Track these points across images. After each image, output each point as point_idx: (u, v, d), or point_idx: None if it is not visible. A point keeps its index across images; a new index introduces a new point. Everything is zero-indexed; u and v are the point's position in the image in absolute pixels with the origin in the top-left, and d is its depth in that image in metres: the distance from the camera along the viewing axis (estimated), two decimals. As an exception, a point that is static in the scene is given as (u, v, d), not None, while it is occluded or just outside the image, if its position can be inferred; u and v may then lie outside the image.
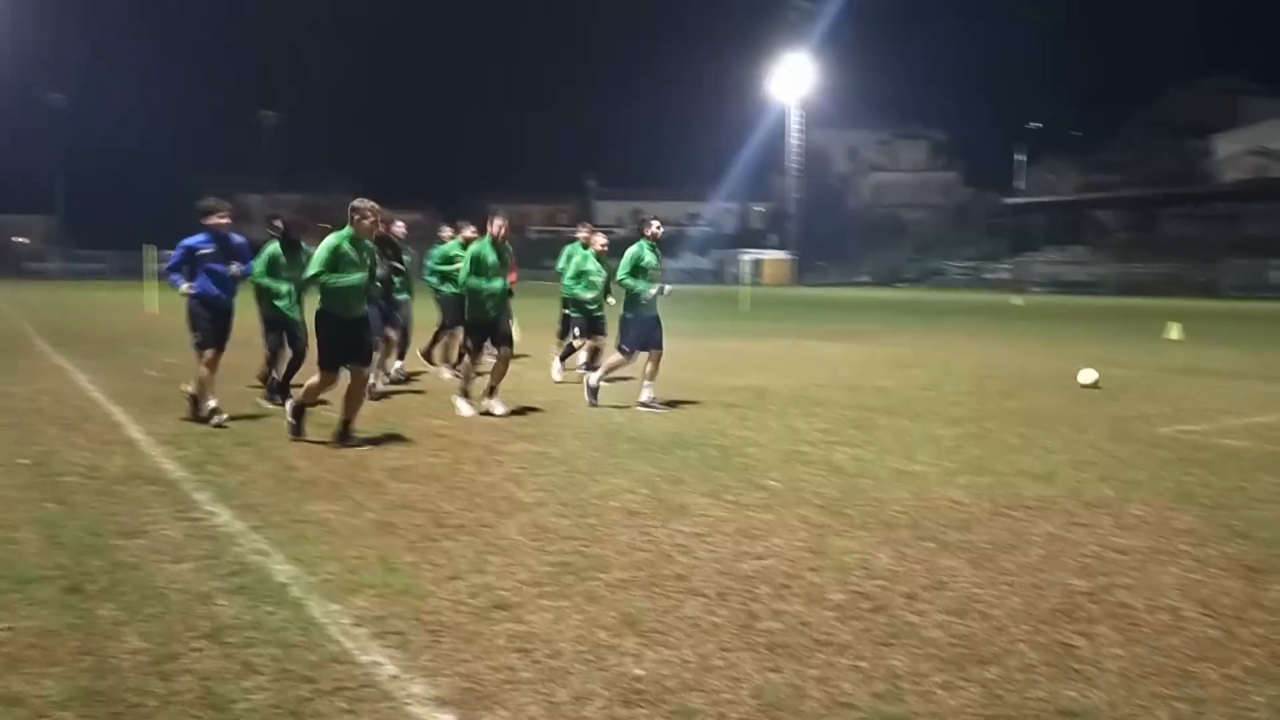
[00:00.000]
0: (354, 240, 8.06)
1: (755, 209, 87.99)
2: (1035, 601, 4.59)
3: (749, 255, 63.27)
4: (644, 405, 10.07)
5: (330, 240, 8.00)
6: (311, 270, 8.00)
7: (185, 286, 8.78)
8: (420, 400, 10.81)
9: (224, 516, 5.89)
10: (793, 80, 61.71)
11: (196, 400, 8.94)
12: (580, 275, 11.89)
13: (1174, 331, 21.79)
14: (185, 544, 5.32)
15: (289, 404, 8.47)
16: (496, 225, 9.69)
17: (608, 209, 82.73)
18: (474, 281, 9.44)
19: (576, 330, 12.28)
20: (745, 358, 14.65)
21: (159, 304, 26.70)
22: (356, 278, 8.00)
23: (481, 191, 66.04)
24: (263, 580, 4.76)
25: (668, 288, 11.47)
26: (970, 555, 5.29)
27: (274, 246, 10.02)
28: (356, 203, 8.19)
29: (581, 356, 12.30)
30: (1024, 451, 8.16)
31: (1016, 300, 41.63)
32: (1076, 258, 64.86)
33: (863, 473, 7.28)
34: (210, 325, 8.86)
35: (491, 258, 9.50)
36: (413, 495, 6.47)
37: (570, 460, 7.61)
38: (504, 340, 9.69)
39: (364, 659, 3.87)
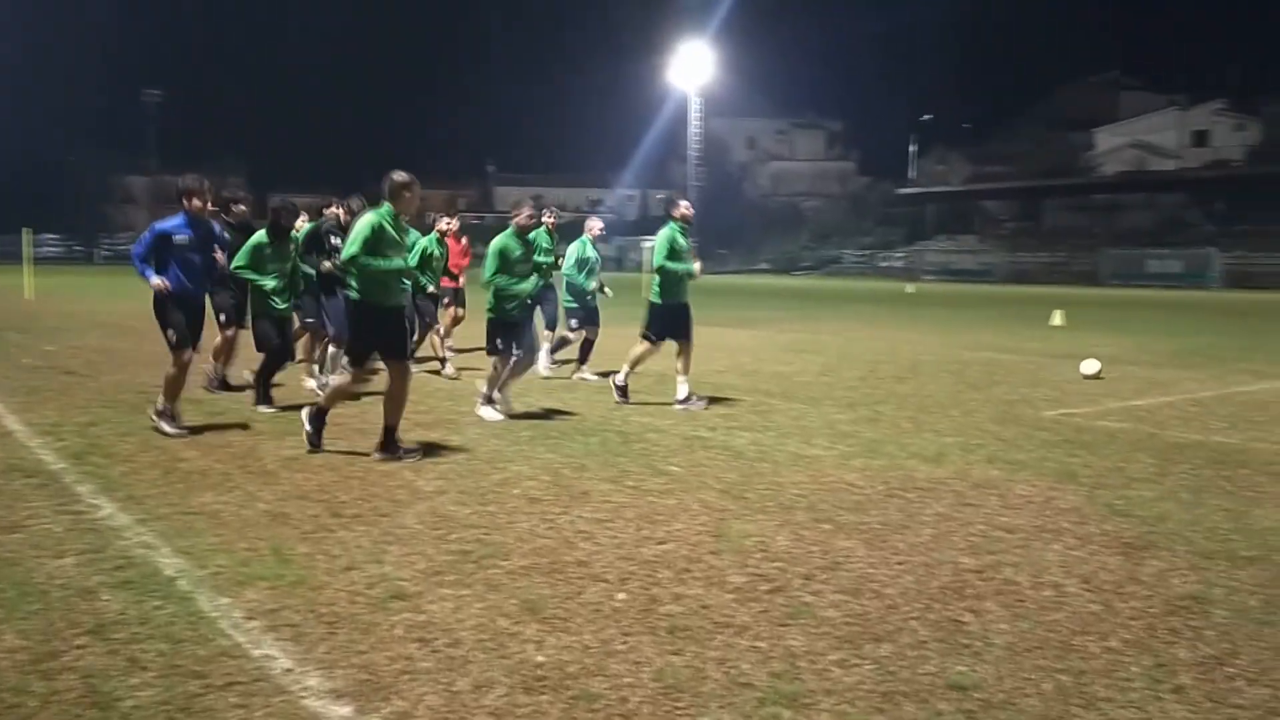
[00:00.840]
0: (395, 219, 7.18)
1: (656, 196, 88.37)
2: (926, 580, 4.72)
3: (650, 242, 63.49)
4: (681, 404, 9.44)
5: (370, 218, 7.11)
6: (351, 250, 6.96)
7: (157, 280, 7.77)
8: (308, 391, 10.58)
9: (108, 509, 5.68)
10: (692, 68, 62.00)
11: (168, 413, 7.91)
12: (581, 264, 11.59)
13: (1058, 318, 22.60)
14: (66, 538, 5.12)
15: (307, 411, 7.42)
16: (526, 215, 8.84)
17: (508, 194, 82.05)
18: (501, 280, 8.54)
19: (574, 322, 11.79)
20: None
21: (36, 290, 25.56)
22: (399, 261, 7.20)
23: (379, 175, 64.64)
24: (149, 574, 4.60)
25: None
26: (865, 536, 5.41)
27: (260, 235, 9.20)
28: (399, 175, 7.16)
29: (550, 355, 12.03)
30: (916, 435, 8.37)
31: (908, 288, 42.65)
32: (967, 246, 66.73)
33: (762, 457, 7.38)
34: (186, 323, 7.94)
35: (518, 251, 8.69)
36: (307, 485, 6.33)
37: (471, 448, 7.54)
38: (529, 346, 8.92)
39: (256, 653, 3.77)
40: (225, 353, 10.19)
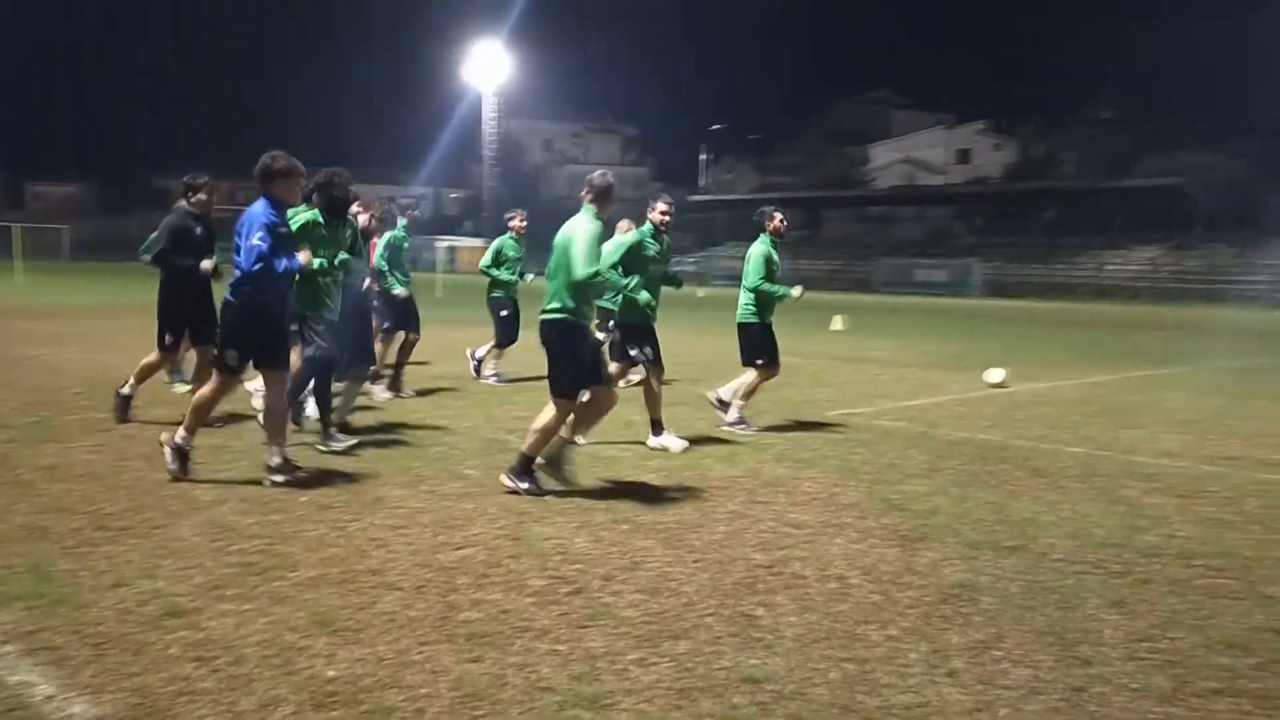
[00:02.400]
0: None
1: (451, 195, 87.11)
2: (721, 576, 4.83)
3: (444, 242, 62.46)
4: (735, 425, 8.74)
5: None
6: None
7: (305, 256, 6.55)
8: (77, 395, 9.81)
9: None
10: (488, 68, 61.47)
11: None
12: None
13: (838, 323, 23.71)
14: None
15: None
16: (660, 210, 8.25)
17: (294, 189, 78.99)
18: (630, 280, 7.71)
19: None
20: (443, 345, 14.42)
21: None
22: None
23: (158, 167, 60.92)
24: (-119, 599, 4.13)
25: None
26: (662, 535, 5.49)
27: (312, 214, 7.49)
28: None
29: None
30: (709, 434, 8.57)
31: (700, 293, 43.74)
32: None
33: (559, 459, 7.37)
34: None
35: (653, 249, 8.10)
36: (69, 496, 5.86)
37: (254, 454, 7.17)
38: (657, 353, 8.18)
39: (13, 679, 3.45)
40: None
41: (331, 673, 3.62)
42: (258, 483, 6.31)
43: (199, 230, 8.36)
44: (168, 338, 8.44)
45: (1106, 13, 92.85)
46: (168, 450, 6.31)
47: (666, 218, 8.29)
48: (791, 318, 29.17)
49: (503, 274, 11.29)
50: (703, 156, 78.47)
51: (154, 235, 8.47)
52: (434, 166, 72.43)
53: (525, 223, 11.62)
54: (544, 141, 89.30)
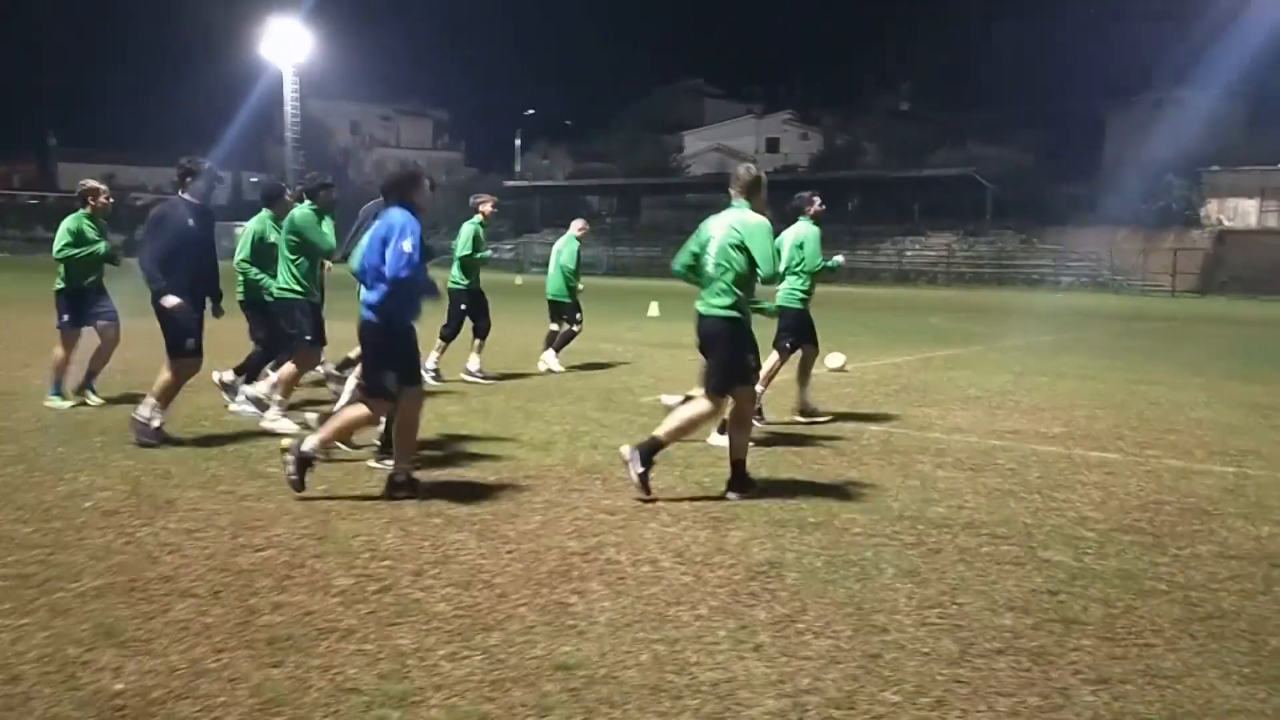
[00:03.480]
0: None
1: (250, 179, 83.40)
2: (535, 566, 4.82)
3: (242, 228, 59.80)
4: (806, 416, 8.62)
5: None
6: None
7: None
8: None
9: None
10: (287, 45, 58.97)
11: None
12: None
13: (654, 309, 24.04)
14: None
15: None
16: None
17: (75, 172, 73.77)
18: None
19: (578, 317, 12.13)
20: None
21: None
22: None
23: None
24: None
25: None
26: (476, 527, 5.43)
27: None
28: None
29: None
30: (525, 424, 8.54)
31: (517, 280, 43.56)
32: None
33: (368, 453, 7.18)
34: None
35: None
36: None
37: (30, 458, 6.69)
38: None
39: None
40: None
41: (119, 686, 3.41)
42: (37, 488, 5.88)
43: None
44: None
45: (905, 9, 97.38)
46: (290, 461, 5.81)
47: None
48: (609, 304, 29.49)
49: (486, 253, 11.21)
50: (518, 142, 77.97)
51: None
52: (230, 148, 69.08)
53: (495, 208, 11.35)
54: (351, 124, 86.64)
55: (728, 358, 6.24)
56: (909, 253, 56.06)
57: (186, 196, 7.52)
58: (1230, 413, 10.11)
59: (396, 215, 6.10)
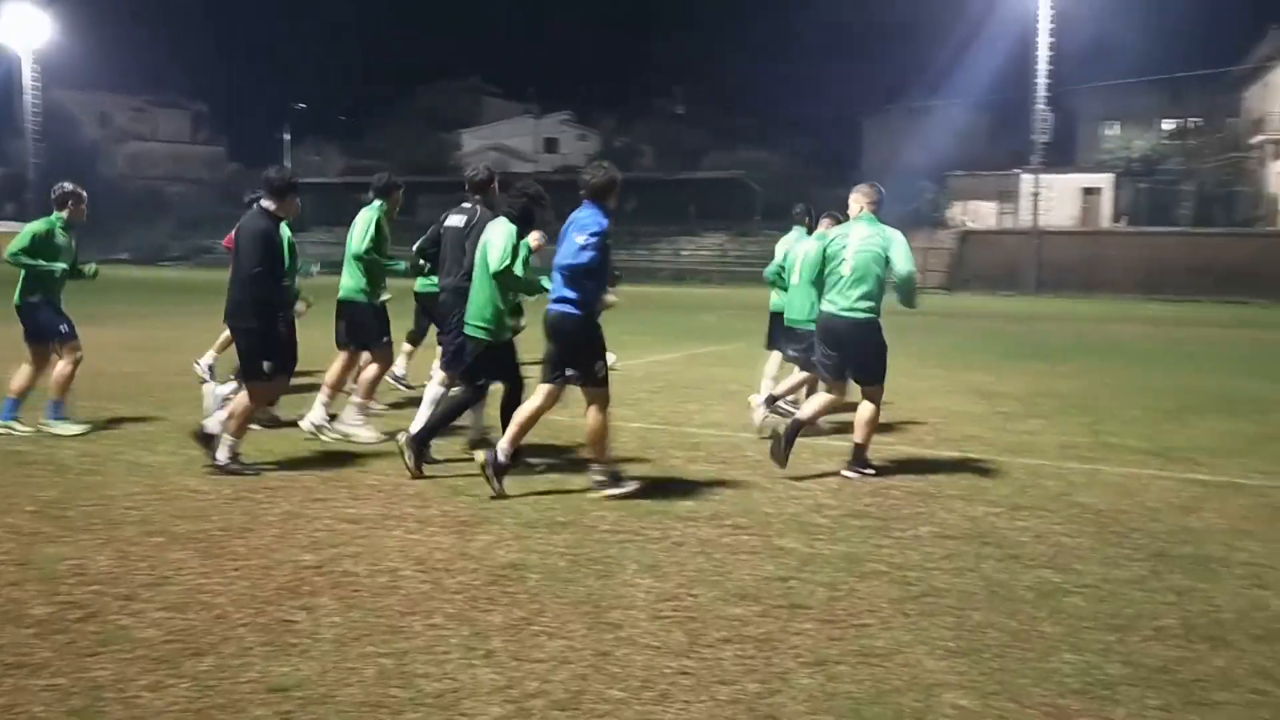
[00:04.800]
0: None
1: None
2: (262, 583, 4.58)
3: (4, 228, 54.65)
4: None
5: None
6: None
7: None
8: None
9: None
10: (24, 30, 54.29)
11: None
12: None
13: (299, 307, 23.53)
14: None
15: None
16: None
17: None
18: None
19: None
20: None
21: None
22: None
23: None
24: None
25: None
26: (201, 545, 5.12)
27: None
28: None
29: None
30: (274, 432, 8.15)
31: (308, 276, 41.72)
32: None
33: (92, 469, 6.67)
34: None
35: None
36: None
37: None
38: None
39: None
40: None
41: None
42: None
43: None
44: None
45: (677, 16, 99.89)
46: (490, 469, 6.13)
47: None
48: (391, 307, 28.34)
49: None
50: (286, 137, 74.80)
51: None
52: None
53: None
54: (100, 115, 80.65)
55: (879, 353, 7.05)
56: (684, 252, 57.52)
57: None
58: (962, 400, 10.87)
59: (586, 214, 6.28)
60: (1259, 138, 46.26)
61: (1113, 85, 48.79)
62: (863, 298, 6.90)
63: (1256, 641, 4.17)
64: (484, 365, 6.82)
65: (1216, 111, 50.24)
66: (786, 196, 55.93)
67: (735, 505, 6.20)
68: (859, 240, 6.97)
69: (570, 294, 6.21)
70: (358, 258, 7.81)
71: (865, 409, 7.07)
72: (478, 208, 7.45)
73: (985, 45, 48.15)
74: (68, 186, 8.09)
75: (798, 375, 8.73)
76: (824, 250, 7.12)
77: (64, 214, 8.00)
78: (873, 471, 7.02)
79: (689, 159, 64.04)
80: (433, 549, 5.18)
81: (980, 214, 52.20)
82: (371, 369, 8.02)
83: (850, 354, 7.02)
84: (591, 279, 6.20)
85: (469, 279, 6.84)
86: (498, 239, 6.42)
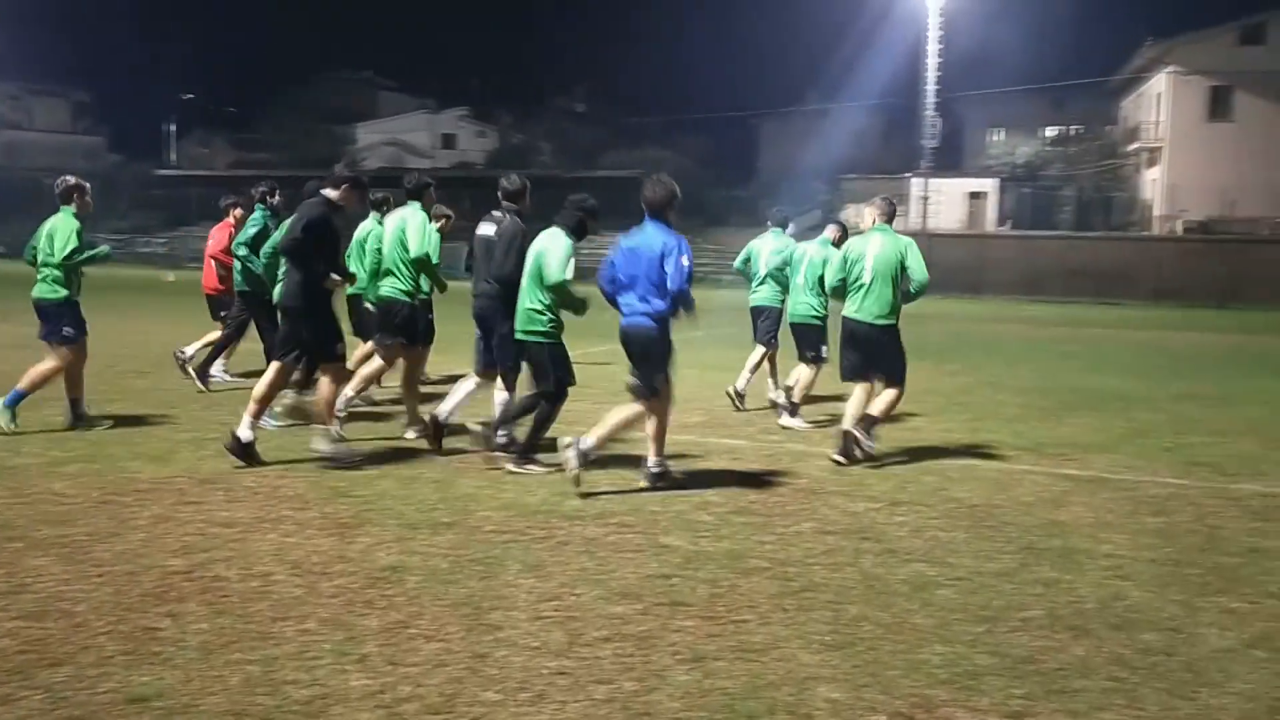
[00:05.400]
0: None
1: None
2: (126, 589, 4.42)
3: None
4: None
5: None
6: None
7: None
8: None
9: None
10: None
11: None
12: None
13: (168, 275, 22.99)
14: None
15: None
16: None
17: None
18: None
19: None
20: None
21: None
22: None
23: None
24: None
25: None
26: (63, 550, 4.91)
27: None
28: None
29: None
30: (147, 433, 7.87)
31: (169, 276, 40.39)
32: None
33: (-52, 472, 6.34)
34: None
35: None
36: None
37: None
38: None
39: None
40: None
41: None
42: None
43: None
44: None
45: (578, 14, 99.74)
46: (572, 456, 6.22)
47: None
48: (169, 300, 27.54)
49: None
50: (172, 128, 72.43)
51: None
52: None
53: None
54: (-30, 102, 76.88)
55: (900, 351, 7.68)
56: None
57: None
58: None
59: (663, 234, 6.51)
60: (1134, 145, 48.26)
61: (998, 93, 50.33)
62: (884, 305, 7.49)
63: (1115, 630, 4.34)
64: (556, 363, 7.03)
65: (1096, 120, 52.25)
66: (685, 196, 56.63)
67: (623, 503, 6.21)
68: (877, 249, 7.50)
69: (654, 307, 6.47)
70: (417, 261, 7.85)
71: (889, 393, 7.66)
72: (507, 216, 7.57)
73: (878, 51, 49.23)
74: (70, 180, 7.95)
75: (806, 372, 9.37)
76: (843, 259, 7.74)
77: (72, 207, 7.88)
78: (873, 445, 7.54)
79: (587, 157, 63.92)
80: (310, 552, 5.06)
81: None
82: (376, 363, 8.25)
83: (875, 357, 7.61)
84: (684, 296, 6.48)
85: (499, 284, 7.24)
86: (556, 252, 6.74)
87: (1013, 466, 7.62)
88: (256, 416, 6.99)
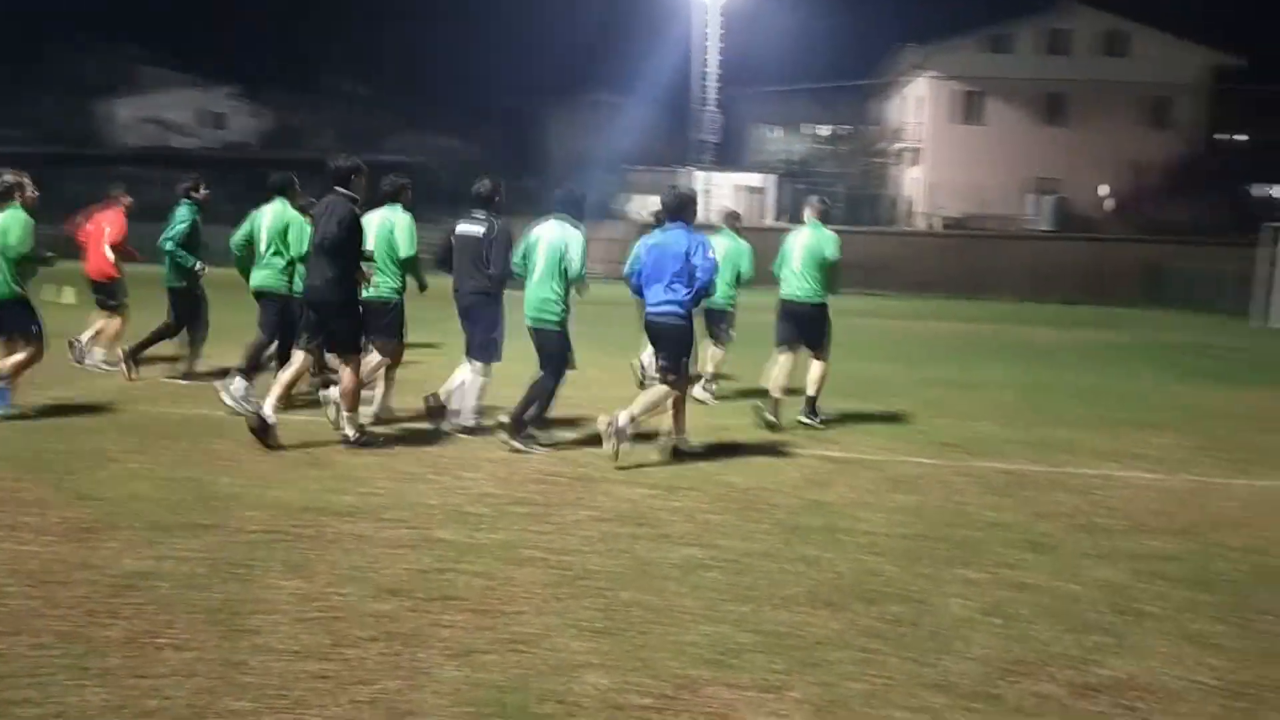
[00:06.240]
0: None
1: None
2: None
3: None
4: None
5: None
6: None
7: None
8: None
9: None
10: None
11: None
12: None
13: (69, 295, 21.39)
14: None
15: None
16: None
17: None
18: None
19: None
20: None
21: None
22: None
23: None
24: None
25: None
26: None
27: None
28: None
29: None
30: None
31: (67, 298, 36.35)
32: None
33: None
34: None
35: None
36: None
37: None
38: None
39: None
40: None
41: None
42: None
43: None
44: None
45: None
46: (612, 435, 7.01)
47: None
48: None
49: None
50: (-103, 98, 65.36)
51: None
52: None
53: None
54: None
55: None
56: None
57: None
58: (629, 386, 11.22)
59: (685, 235, 7.28)
60: (898, 145, 51.26)
61: (774, 92, 52.33)
62: (812, 286, 8.79)
63: (868, 604, 4.60)
64: (546, 349, 7.61)
65: (863, 120, 55.15)
66: (469, 183, 56.03)
67: (396, 498, 6.07)
68: (806, 240, 8.86)
69: (680, 299, 7.23)
70: (408, 260, 8.22)
71: (816, 368, 8.90)
72: (492, 218, 7.94)
73: (663, 47, 50.19)
74: (9, 178, 7.88)
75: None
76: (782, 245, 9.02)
77: (16, 203, 7.84)
78: (821, 422, 8.86)
79: (371, 141, 62.12)
80: (48, 560, 4.68)
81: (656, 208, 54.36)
82: (376, 358, 8.30)
83: (804, 331, 8.90)
84: (712, 284, 7.45)
85: (493, 282, 7.80)
86: (577, 247, 7.46)
87: (781, 451, 7.93)
88: (281, 400, 7.37)
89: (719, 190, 45.44)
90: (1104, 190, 46.60)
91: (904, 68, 50.59)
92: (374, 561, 4.89)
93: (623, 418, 7.01)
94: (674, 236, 7.31)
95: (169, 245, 9.84)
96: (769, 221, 48.74)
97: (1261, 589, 5.04)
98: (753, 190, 50.78)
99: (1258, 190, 47.26)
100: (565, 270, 7.46)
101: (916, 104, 49.82)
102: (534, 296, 7.55)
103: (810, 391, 8.89)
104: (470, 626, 4.13)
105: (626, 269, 7.62)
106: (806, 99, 53.44)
